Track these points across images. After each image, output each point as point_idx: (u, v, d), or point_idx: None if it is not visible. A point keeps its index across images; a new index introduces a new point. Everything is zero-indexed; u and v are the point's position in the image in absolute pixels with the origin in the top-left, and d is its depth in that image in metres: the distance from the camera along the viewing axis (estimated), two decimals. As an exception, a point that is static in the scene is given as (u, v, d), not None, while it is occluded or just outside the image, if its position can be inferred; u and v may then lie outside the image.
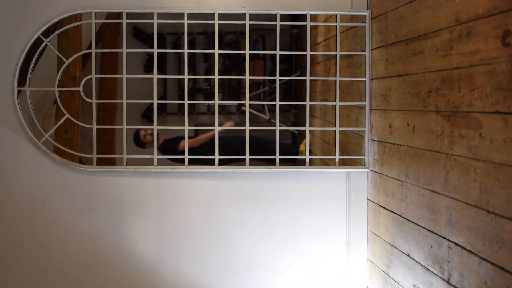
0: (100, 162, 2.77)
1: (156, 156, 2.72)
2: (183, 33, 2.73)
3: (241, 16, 2.74)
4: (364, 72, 2.72)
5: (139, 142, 4.01)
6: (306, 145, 2.77)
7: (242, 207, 2.79)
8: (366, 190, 2.76)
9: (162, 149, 4.09)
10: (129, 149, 2.71)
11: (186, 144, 2.72)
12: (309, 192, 2.80)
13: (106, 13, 3.14)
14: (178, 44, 5.10)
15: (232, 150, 2.86)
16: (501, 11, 1.57)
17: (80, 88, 2.72)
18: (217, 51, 2.71)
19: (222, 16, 2.70)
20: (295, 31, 4.91)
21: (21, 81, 2.71)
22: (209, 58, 5.20)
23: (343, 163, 2.84)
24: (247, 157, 2.73)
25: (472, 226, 1.72)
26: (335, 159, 2.75)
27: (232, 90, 5.32)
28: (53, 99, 3.11)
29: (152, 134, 4.32)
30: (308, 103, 2.73)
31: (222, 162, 2.75)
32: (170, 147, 4.19)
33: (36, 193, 2.75)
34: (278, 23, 2.69)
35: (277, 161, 2.73)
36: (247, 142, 2.74)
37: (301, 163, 2.78)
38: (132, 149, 2.72)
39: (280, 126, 2.72)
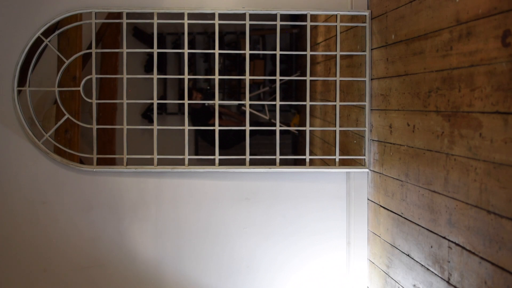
0: (100, 162, 2.77)
1: (156, 156, 2.72)
2: (183, 33, 2.73)
3: (241, 16, 2.74)
4: (364, 72, 2.72)
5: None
6: (306, 145, 2.77)
7: (242, 207, 2.79)
8: (366, 190, 2.76)
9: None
10: (129, 149, 2.71)
11: (186, 144, 2.72)
12: (309, 192, 2.80)
13: (106, 13, 3.14)
14: (178, 44, 5.10)
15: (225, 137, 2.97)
16: (501, 11, 1.57)
17: (80, 88, 2.72)
18: (217, 51, 2.71)
19: (222, 16, 2.70)
20: (295, 31, 4.90)
21: (21, 81, 2.71)
22: (209, 58, 5.20)
23: (343, 163, 2.84)
24: (247, 157, 2.73)
25: (472, 226, 1.72)
26: (335, 159, 2.75)
27: (232, 90, 5.32)
28: (53, 99, 3.11)
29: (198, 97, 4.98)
30: (308, 103, 2.73)
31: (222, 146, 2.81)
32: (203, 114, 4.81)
33: (36, 193, 2.75)
34: (278, 23, 2.69)
35: (277, 161, 2.72)
36: (247, 142, 2.74)
37: (301, 162, 2.78)
38: (132, 149, 2.71)
39: (280, 126, 2.72)
